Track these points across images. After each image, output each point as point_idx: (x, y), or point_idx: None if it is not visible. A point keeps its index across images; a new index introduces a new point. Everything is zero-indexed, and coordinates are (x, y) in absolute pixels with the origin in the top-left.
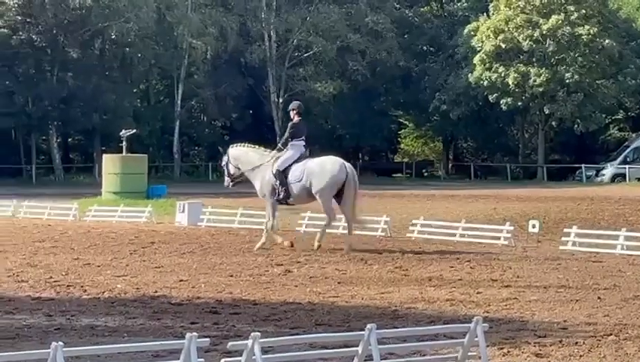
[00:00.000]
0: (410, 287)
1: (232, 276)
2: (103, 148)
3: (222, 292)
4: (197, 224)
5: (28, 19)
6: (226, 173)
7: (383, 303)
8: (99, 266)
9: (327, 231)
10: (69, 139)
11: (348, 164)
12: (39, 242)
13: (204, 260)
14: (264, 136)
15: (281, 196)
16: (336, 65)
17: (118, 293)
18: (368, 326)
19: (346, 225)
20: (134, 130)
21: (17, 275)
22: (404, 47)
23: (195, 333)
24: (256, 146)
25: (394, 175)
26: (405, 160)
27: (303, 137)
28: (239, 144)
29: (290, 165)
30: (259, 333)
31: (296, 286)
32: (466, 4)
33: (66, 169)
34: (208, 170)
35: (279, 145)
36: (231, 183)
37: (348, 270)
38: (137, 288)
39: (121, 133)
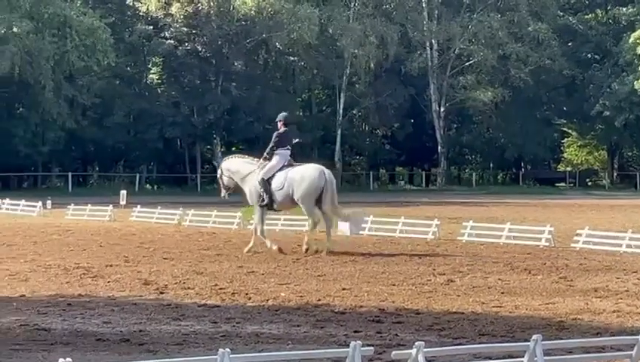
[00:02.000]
0: (576, 298)
1: (394, 285)
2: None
3: (384, 301)
4: (359, 233)
5: (193, 31)
6: (221, 184)
7: (547, 314)
8: (263, 274)
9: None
10: (233, 148)
11: (327, 171)
12: (204, 250)
13: (366, 269)
14: (425, 144)
15: (265, 202)
16: (497, 74)
17: (282, 301)
18: (534, 336)
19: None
20: (298, 140)
21: (184, 282)
22: (567, 54)
23: (359, 342)
24: (246, 156)
25: (557, 184)
26: (569, 169)
27: (288, 146)
28: (231, 156)
29: (274, 173)
30: (423, 343)
31: (458, 295)
32: (632, 9)
33: None
34: (369, 179)
35: (265, 154)
36: (227, 194)
37: (511, 280)
38: (301, 296)
39: None
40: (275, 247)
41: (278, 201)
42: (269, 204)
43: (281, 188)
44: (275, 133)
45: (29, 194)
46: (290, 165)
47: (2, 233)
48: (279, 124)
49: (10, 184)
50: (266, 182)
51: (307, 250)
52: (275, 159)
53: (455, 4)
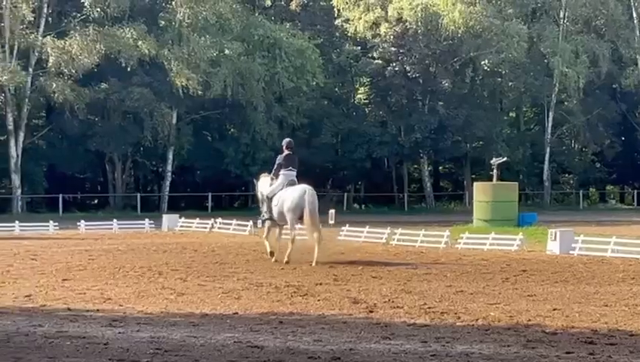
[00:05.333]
0: None
1: (606, 306)
2: (473, 175)
3: (597, 322)
4: (569, 252)
5: (401, 50)
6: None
7: None
8: (471, 294)
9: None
10: (440, 167)
11: (310, 192)
12: (413, 269)
13: (577, 289)
14: (636, 163)
15: (266, 217)
16: None
17: (492, 321)
18: None
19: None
20: (505, 158)
21: (392, 301)
22: None
23: None
24: (267, 175)
25: None
26: None
27: (291, 167)
28: (263, 175)
29: (276, 192)
30: None
31: None
32: None
33: (436, 197)
34: (579, 198)
35: (271, 175)
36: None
37: None
38: (511, 316)
39: (491, 161)
40: (269, 255)
41: (276, 216)
42: (271, 219)
43: (276, 205)
44: (278, 157)
45: (241, 213)
46: (291, 185)
47: (215, 251)
48: (283, 148)
49: (223, 203)
50: (269, 200)
51: (287, 261)
52: (279, 179)
53: None
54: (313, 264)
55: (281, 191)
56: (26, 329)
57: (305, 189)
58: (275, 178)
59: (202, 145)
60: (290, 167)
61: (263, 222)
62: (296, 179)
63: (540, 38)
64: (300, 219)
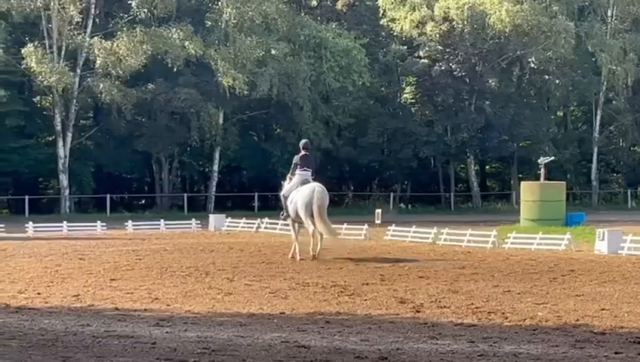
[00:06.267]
0: None
1: None
2: (520, 175)
3: None
4: (617, 252)
5: (447, 50)
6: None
7: None
8: (519, 293)
9: None
10: (487, 167)
11: (319, 189)
12: (460, 269)
13: (625, 289)
14: None
15: (284, 215)
16: None
17: (539, 321)
18: None
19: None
20: (552, 157)
21: (439, 301)
22: None
23: None
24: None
25: None
26: None
27: (306, 167)
28: (289, 175)
29: (292, 191)
30: None
31: None
32: None
33: (483, 196)
34: (627, 197)
35: (289, 175)
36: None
37: None
38: (558, 316)
39: (539, 161)
40: (294, 254)
41: (291, 214)
42: (288, 217)
43: (291, 203)
44: (294, 157)
45: None
46: (304, 184)
47: (262, 251)
48: (300, 149)
49: (269, 203)
50: (285, 199)
51: (313, 256)
52: (295, 179)
53: None
54: (316, 255)
55: (294, 190)
56: (75, 329)
57: (314, 187)
58: (292, 177)
59: (248, 145)
60: (306, 167)
61: (285, 219)
62: (310, 178)
63: (588, 35)
64: (312, 215)
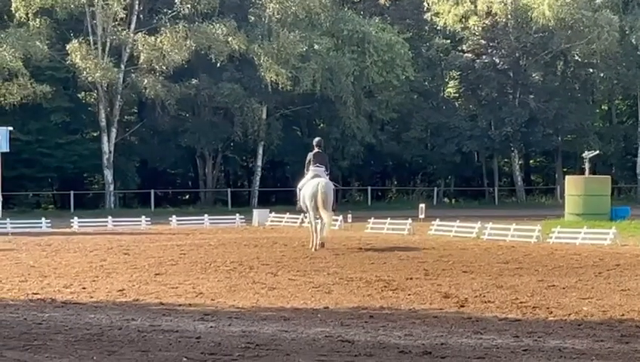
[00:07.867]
0: None
1: None
2: (565, 169)
3: None
4: None
5: (491, 43)
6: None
7: None
8: (564, 288)
9: None
10: (531, 161)
11: (323, 183)
12: (504, 263)
13: None
14: None
15: (298, 207)
16: None
17: (584, 316)
18: None
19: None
20: (597, 151)
21: (484, 296)
22: None
23: None
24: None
25: None
26: None
27: (319, 164)
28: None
29: (304, 185)
30: None
31: None
32: None
33: (527, 190)
34: None
35: (305, 170)
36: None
37: None
38: (604, 311)
39: (583, 155)
40: (313, 244)
41: (303, 207)
42: (302, 209)
43: (301, 195)
44: (308, 154)
45: None
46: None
47: (305, 246)
48: (314, 146)
49: None
50: (299, 191)
51: (322, 244)
52: (308, 174)
53: None
54: (317, 245)
55: (306, 183)
56: (120, 323)
57: (319, 180)
58: (307, 172)
59: (292, 140)
60: (318, 163)
61: (299, 210)
62: (323, 173)
63: (632, 28)
64: (317, 207)
